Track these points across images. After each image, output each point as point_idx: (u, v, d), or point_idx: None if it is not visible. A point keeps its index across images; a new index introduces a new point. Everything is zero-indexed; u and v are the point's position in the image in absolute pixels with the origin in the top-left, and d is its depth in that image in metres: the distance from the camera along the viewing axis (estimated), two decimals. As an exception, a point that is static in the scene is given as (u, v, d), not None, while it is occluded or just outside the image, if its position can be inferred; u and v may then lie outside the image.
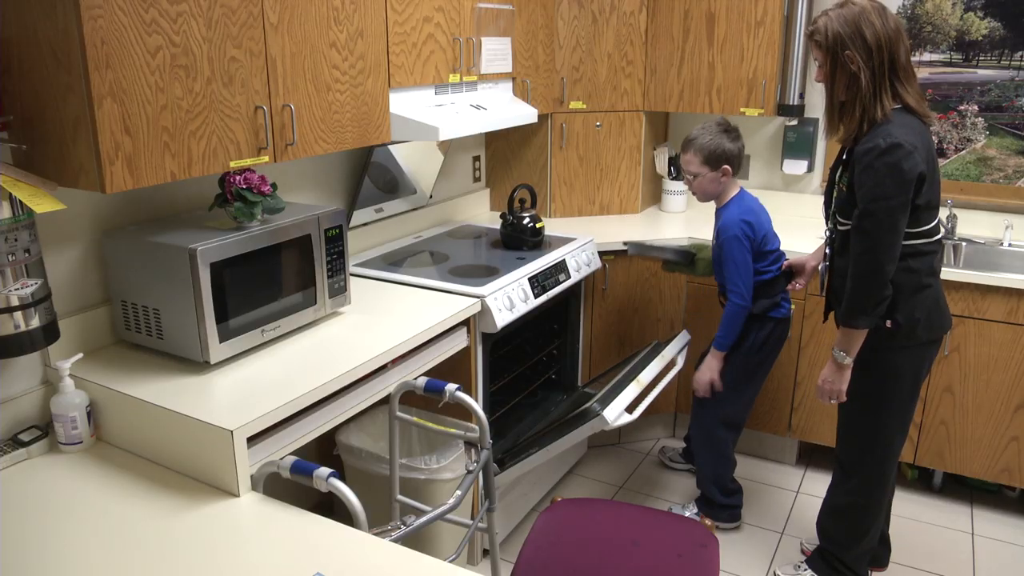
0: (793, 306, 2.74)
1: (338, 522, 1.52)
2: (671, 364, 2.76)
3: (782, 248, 2.69)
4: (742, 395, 2.71)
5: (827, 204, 2.27)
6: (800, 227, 3.32)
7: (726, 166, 2.55)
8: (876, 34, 2.00)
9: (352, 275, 2.61)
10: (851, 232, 2.09)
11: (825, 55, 2.07)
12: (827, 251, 2.30)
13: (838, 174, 2.21)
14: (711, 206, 2.71)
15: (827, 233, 2.29)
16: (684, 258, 2.87)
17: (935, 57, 3.24)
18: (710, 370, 2.65)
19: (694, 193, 2.66)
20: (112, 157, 1.58)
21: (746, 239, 2.53)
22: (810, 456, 3.37)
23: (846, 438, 2.35)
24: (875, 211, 2.00)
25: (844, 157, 2.15)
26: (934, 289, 2.16)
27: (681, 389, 3.34)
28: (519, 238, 2.91)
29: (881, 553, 2.62)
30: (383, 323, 2.19)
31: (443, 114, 2.48)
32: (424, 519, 1.67)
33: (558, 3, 3.22)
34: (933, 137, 2.41)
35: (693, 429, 2.84)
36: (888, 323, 2.14)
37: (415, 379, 1.94)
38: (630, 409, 2.47)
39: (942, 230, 2.17)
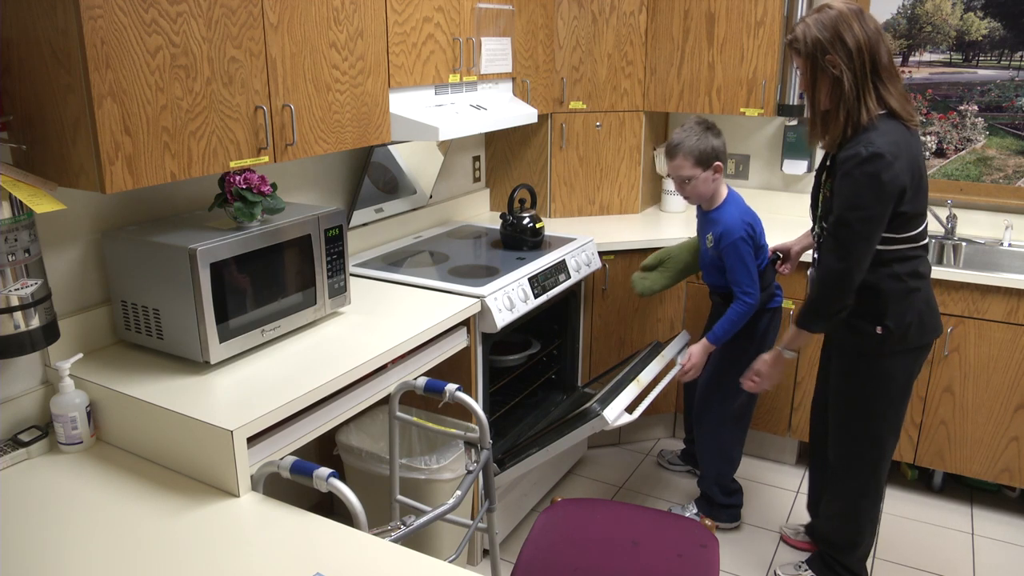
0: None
1: (338, 522, 1.52)
2: (671, 364, 2.76)
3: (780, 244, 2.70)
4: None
5: (813, 207, 2.27)
6: (800, 227, 3.31)
7: (718, 163, 2.53)
8: (856, 36, 1.97)
9: (352, 275, 2.61)
10: (825, 238, 2.07)
11: (805, 62, 2.04)
12: (815, 255, 2.29)
13: (823, 179, 2.20)
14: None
15: (814, 236, 2.28)
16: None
17: (935, 57, 3.24)
18: (698, 357, 2.62)
19: (687, 198, 2.63)
20: (112, 157, 1.58)
21: (749, 239, 2.53)
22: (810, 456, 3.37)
23: (839, 444, 2.34)
24: (850, 221, 1.98)
25: (828, 163, 2.13)
26: (924, 292, 2.14)
27: (681, 389, 3.33)
28: (519, 238, 2.91)
29: None
30: (383, 323, 2.19)
31: (443, 114, 2.48)
32: (424, 519, 1.67)
33: (558, 3, 3.22)
34: (924, 138, 2.40)
35: (697, 429, 2.83)
36: (878, 329, 2.12)
37: (415, 379, 1.94)
38: (630, 409, 2.47)
39: (928, 235, 2.15)
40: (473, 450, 2.34)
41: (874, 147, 1.93)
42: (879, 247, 2.06)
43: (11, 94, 1.65)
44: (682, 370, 2.66)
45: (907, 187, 1.98)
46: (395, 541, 1.53)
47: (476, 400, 2.28)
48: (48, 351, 1.85)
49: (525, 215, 2.90)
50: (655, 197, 3.76)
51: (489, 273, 2.61)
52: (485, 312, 2.41)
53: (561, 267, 2.80)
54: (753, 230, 2.55)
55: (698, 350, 2.63)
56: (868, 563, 2.67)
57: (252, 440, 1.65)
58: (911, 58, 3.28)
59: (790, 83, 3.22)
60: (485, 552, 2.68)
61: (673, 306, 3.27)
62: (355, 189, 2.73)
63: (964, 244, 3.18)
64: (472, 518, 2.46)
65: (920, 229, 2.09)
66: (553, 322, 3.08)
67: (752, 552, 2.76)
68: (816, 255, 2.28)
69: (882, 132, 1.96)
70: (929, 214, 3.21)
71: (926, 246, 2.13)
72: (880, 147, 1.93)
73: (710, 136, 2.52)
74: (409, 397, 2.49)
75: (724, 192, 2.60)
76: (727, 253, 2.54)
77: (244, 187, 1.94)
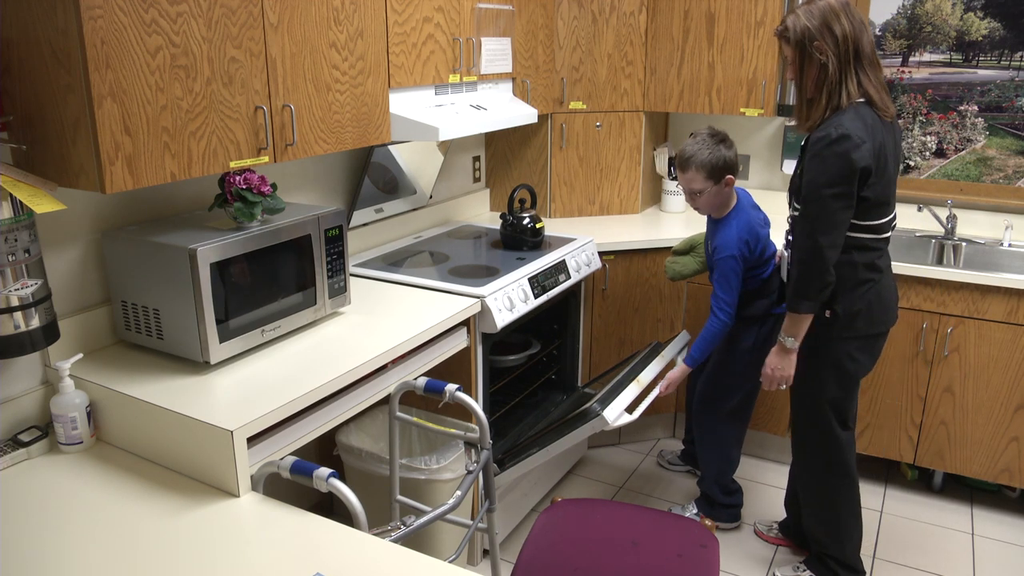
0: None
1: (338, 522, 1.52)
2: (671, 364, 2.76)
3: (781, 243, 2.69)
4: (742, 389, 2.71)
5: (791, 192, 2.30)
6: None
7: (729, 176, 2.51)
8: (842, 26, 2.07)
9: (352, 275, 2.61)
10: (796, 218, 2.16)
11: (794, 50, 2.13)
12: (788, 237, 2.32)
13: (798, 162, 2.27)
14: None
15: (788, 220, 2.32)
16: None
17: (935, 57, 3.24)
18: (672, 381, 2.63)
19: (698, 209, 2.59)
20: (112, 157, 1.58)
21: (743, 259, 2.52)
22: (810, 456, 3.37)
23: (794, 430, 2.43)
24: (817, 198, 2.07)
25: (803, 145, 2.21)
26: (878, 284, 2.20)
27: (681, 389, 3.33)
28: (519, 238, 2.91)
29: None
30: (383, 323, 2.19)
31: (443, 114, 2.48)
32: (424, 519, 1.67)
33: (558, 3, 3.22)
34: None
35: (696, 429, 2.83)
36: (827, 313, 2.20)
37: (415, 379, 1.94)
38: (630, 409, 2.47)
39: (891, 230, 2.20)
40: (473, 450, 2.34)
41: (843, 129, 2.02)
42: None
43: (11, 94, 1.65)
44: (659, 393, 2.65)
45: (872, 170, 2.06)
46: (395, 541, 1.53)
47: (476, 400, 2.28)
48: (48, 351, 1.85)
49: (525, 215, 2.90)
50: (655, 197, 3.76)
51: (489, 273, 2.61)
52: (485, 312, 2.41)
53: (561, 267, 2.80)
54: (750, 249, 2.54)
55: (676, 375, 2.63)
56: (868, 563, 2.67)
57: (252, 440, 1.65)
58: (911, 58, 3.28)
59: (790, 83, 3.22)
60: (485, 552, 2.68)
61: (673, 306, 3.27)
62: (355, 189, 2.73)
63: (964, 244, 3.18)
64: (472, 518, 2.46)
65: (882, 221, 2.15)
66: (553, 322, 3.08)
67: (752, 552, 2.76)
68: (790, 236, 2.32)
69: (853, 116, 2.06)
70: (928, 214, 3.22)
71: (887, 240, 2.20)
72: (849, 129, 2.02)
73: (722, 148, 2.49)
74: (409, 397, 2.49)
75: (733, 201, 2.58)
76: (718, 266, 2.54)
77: (244, 187, 1.94)
